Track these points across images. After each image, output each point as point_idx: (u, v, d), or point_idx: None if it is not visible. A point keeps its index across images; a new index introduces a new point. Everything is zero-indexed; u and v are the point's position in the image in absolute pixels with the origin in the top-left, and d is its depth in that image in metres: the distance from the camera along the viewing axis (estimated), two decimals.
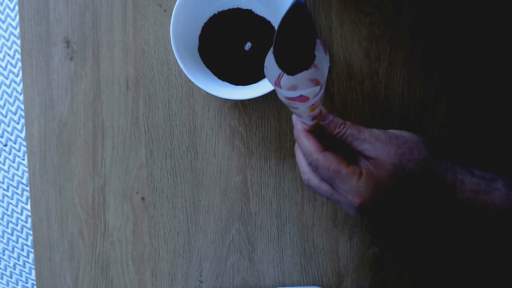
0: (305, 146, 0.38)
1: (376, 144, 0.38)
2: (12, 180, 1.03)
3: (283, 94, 0.32)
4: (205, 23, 0.47)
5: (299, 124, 0.39)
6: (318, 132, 0.39)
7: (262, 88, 0.43)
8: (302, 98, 0.32)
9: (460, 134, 0.48)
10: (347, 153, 0.38)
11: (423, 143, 0.39)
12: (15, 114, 1.03)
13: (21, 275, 1.04)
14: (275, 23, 0.47)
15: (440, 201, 0.39)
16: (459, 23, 0.48)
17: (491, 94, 0.48)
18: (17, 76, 1.03)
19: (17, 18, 0.93)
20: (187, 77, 0.42)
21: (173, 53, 0.42)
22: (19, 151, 1.03)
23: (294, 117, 0.41)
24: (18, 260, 1.04)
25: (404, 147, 0.38)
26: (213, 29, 0.47)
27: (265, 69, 0.32)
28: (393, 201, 0.38)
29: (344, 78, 0.48)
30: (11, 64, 1.03)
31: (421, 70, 0.48)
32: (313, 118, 0.37)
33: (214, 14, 0.47)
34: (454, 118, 0.48)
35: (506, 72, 0.47)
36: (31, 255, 1.04)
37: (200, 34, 0.47)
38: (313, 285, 0.49)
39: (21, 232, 1.04)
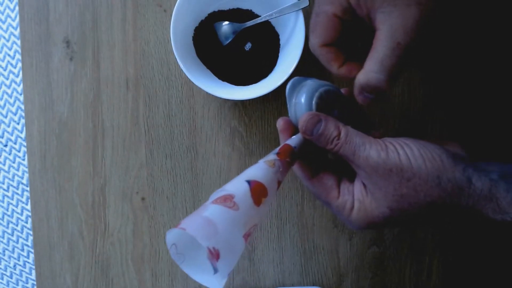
0: (294, 169, 0.35)
1: (373, 177, 0.31)
2: (12, 180, 1.03)
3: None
4: (205, 23, 0.47)
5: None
6: None
7: (262, 88, 0.43)
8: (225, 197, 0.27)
9: (460, 134, 0.48)
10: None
11: (437, 179, 0.30)
12: (15, 114, 1.03)
13: (21, 275, 1.04)
14: (275, 23, 0.47)
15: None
16: (458, 23, 0.48)
17: (491, 94, 0.48)
18: (17, 76, 1.03)
19: (17, 18, 0.93)
20: (187, 77, 0.42)
21: (173, 53, 0.42)
22: (19, 151, 1.03)
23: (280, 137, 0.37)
24: (18, 260, 1.04)
25: (408, 186, 0.30)
26: (212, 29, 0.47)
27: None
28: (394, 226, 0.35)
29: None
30: (11, 64, 1.03)
31: (421, 70, 0.48)
32: (278, 153, 0.32)
33: (214, 13, 0.47)
34: (454, 118, 0.48)
35: (506, 72, 0.47)
36: (31, 255, 1.04)
37: (199, 34, 0.47)
38: (313, 285, 0.49)
39: (21, 232, 1.04)
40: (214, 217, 0.25)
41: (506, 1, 0.47)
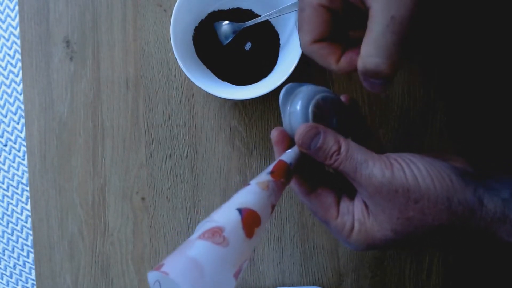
0: (291, 185, 0.32)
1: (376, 198, 0.28)
2: (12, 180, 1.03)
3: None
4: (204, 23, 0.47)
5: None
6: None
7: (262, 88, 0.43)
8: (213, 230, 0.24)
9: (460, 134, 0.48)
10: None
11: (447, 201, 0.27)
12: (15, 114, 1.03)
13: (21, 275, 1.04)
14: (275, 23, 0.47)
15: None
16: (458, 23, 0.48)
17: (491, 94, 0.48)
18: (17, 76, 1.03)
19: (17, 18, 0.93)
20: (187, 77, 0.42)
21: (173, 53, 0.42)
22: (19, 151, 1.03)
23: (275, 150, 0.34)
24: (18, 260, 1.04)
25: (415, 209, 0.27)
26: (212, 28, 0.47)
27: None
28: (396, 247, 0.32)
29: (344, 78, 0.48)
30: (11, 64, 1.03)
31: (421, 70, 0.48)
32: (272, 173, 0.29)
33: (214, 13, 0.47)
34: (454, 118, 0.48)
35: (506, 72, 0.47)
36: (31, 255, 1.04)
37: (199, 34, 0.47)
38: (313, 285, 0.49)
39: (21, 232, 1.04)
40: (201, 258, 0.23)
41: (506, 1, 0.47)
